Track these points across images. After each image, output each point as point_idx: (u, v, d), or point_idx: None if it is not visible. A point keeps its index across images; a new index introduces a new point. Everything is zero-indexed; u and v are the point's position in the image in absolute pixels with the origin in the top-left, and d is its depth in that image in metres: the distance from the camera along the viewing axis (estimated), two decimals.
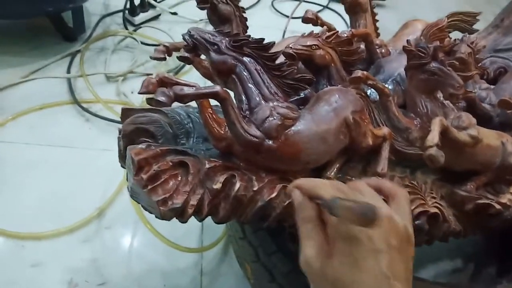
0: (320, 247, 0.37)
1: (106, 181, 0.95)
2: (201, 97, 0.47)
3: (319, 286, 0.37)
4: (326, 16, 1.63)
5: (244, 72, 0.50)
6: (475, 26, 0.87)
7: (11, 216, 0.86)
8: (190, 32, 0.51)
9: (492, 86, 0.75)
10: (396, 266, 0.36)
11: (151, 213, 0.49)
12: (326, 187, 0.39)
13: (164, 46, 0.68)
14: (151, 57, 0.69)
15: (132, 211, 0.89)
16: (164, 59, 0.68)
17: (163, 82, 0.49)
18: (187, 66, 1.29)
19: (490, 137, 0.60)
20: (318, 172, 0.55)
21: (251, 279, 0.75)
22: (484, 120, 0.69)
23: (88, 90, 1.15)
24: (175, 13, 1.48)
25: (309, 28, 0.74)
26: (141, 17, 1.43)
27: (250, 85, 0.50)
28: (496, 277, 0.75)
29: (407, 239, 0.38)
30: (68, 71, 1.21)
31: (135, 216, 0.89)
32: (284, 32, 1.52)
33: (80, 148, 1.02)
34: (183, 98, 0.44)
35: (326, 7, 1.70)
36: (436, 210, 0.57)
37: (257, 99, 0.50)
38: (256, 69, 0.50)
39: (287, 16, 1.60)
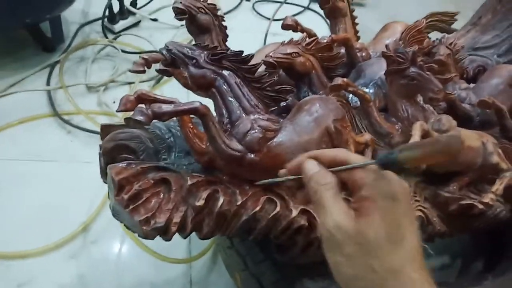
0: (349, 211, 0.37)
1: (91, 194, 0.93)
2: (180, 114, 0.46)
3: (354, 251, 0.36)
4: (307, 17, 1.63)
5: (223, 86, 0.50)
6: (454, 25, 0.88)
7: None
8: (168, 46, 0.51)
9: (471, 85, 0.76)
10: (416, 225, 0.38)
11: (134, 232, 0.49)
12: (350, 153, 0.40)
13: (143, 58, 0.67)
14: (130, 70, 0.68)
15: (117, 224, 0.87)
16: (144, 71, 0.67)
17: (141, 99, 0.48)
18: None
19: (471, 138, 0.61)
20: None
21: (240, 287, 0.75)
22: (465, 120, 0.69)
23: (69, 101, 1.13)
24: (155, 20, 1.46)
25: (289, 32, 0.74)
26: (121, 24, 1.41)
27: (230, 98, 0.49)
28: (483, 273, 0.76)
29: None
30: (48, 83, 1.19)
31: (121, 230, 0.88)
32: (266, 34, 1.51)
33: (62, 161, 1.01)
34: (161, 116, 0.44)
35: (307, 8, 1.70)
36: (420, 213, 0.58)
37: (238, 112, 0.49)
38: (235, 82, 0.50)
39: (269, 19, 1.59)
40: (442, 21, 0.86)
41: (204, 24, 0.67)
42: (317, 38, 0.66)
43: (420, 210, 0.59)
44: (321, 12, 1.65)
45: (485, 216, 0.64)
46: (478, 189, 0.66)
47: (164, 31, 1.44)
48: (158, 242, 0.84)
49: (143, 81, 1.24)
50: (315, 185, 0.38)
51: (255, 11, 1.65)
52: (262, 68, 0.59)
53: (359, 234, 0.36)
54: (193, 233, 0.87)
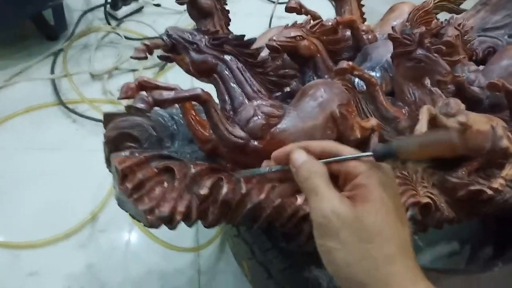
0: (341, 197, 0.37)
1: (97, 183, 0.94)
2: (182, 100, 0.46)
3: (350, 237, 0.36)
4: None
5: (225, 71, 0.49)
6: (462, 6, 0.86)
7: (4, 225, 0.85)
8: (168, 31, 0.50)
9: (480, 67, 0.74)
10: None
11: (139, 221, 0.49)
12: (342, 146, 0.40)
13: (145, 44, 0.65)
14: (131, 57, 0.67)
15: (125, 213, 0.88)
16: (145, 58, 0.65)
17: (143, 86, 0.47)
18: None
19: (479, 122, 0.59)
20: None
21: (248, 276, 0.75)
22: (474, 103, 0.68)
23: (73, 90, 1.13)
24: (158, 5, 1.44)
25: (294, 16, 0.73)
26: (123, 10, 1.40)
27: (232, 84, 0.49)
28: (493, 259, 0.76)
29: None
30: (52, 72, 1.18)
31: (129, 218, 0.87)
32: (271, 18, 1.49)
33: (68, 150, 1.01)
34: (163, 103, 0.43)
35: None
36: (428, 200, 0.57)
37: (241, 98, 0.48)
38: (238, 67, 0.49)
39: (274, 2, 1.57)
40: (450, 1, 0.84)
41: (205, 8, 0.66)
42: (322, 20, 0.64)
43: (428, 196, 0.58)
44: None
45: (494, 201, 0.62)
46: (487, 174, 0.64)
47: (167, 16, 1.43)
48: (166, 231, 0.84)
49: (147, 68, 1.23)
50: (306, 172, 0.38)
51: None
52: (265, 53, 0.58)
53: (356, 220, 0.36)
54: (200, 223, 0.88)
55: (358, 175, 0.37)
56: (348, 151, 0.38)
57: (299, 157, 0.39)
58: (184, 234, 0.87)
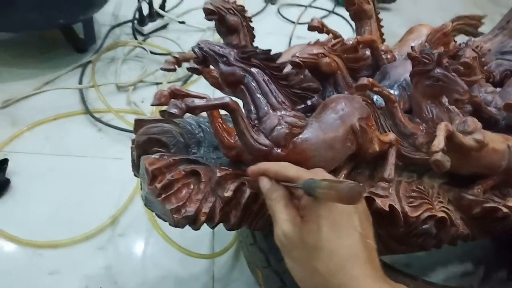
0: (295, 219, 0.41)
1: (119, 189, 0.97)
2: (211, 108, 0.48)
3: (300, 255, 0.40)
4: (331, 21, 1.64)
5: (252, 83, 0.51)
6: (480, 29, 0.88)
7: (28, 225, 0.88)
8: (199, 44, 0.53)
9: (498, 89, 0.75)
10: (364, 224, 0.41)
11: (165, 221, 0.51)
12: (290, 166, 0.45)
13: (174, 57, 0.69)
14: (161, 68, 0.70)
15: (144, 219, 0.91)
16: (174, 70, 0.69)
17: (175, 94, 0.50)
18: (195, 75, 1.32)
19: (496, 141, 0.61)
20: None
21: (262, 285, 0.76)
22: (490, 123, 0.69)
23: (100, 100, 1.18)
24: (183, 22, 1.50)
25: (315, 34, 0.76)
26: (149, 26, 1.46)
27: (258, 95, 0.51)
28: (507, 280, 0.76)
29: (361, 197, 0.41)
30: (80, 82, 1.24)
31: (148, 224, 0.91)
32: (291, 38, 1.53)
33: (93, 157, 1.05)
34: (194, 110, 0.46)
35: (332, 11, 1.71)
36: (443, 214, 0.58)
37: (265, 108, 0.51)
38: (263, 80, 0.52)
39: (293, 22, 1.61)
40: (468, 24, 0.86)
41: (232, 24, 0.69)
42: (343, 39, 0.67)
43: (444, 211, 0.59)
44: (346, 15, 1.67)
45: (509, 220, 0.63)
46: (502, 193, 0.65)
47: (191, 33, 1.48)
48: (183, 238, 0.87)
49: (171, 82, 1.28)
50: (268, 201, 0.44)
51: (280, 14, 1.67)
52: (288, 68, 0.61)
53: (301, 240, 0.40)
54: (217, 231, 0.90)
55: (303, 196, 0.42)
56: (293, 173, 0.43)
57: (263, 185, 0.45)
58: (200, 241, 0.89)
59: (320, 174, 0.44)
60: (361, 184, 0.39)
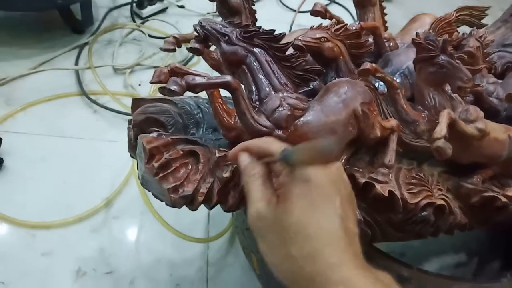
0: (271, 199, 0.37)
1: (114, 172, 0.96)
2: (213, 86, 0.48)
3: (274, 239, 0.36)
4: (332, 10, 1.61)
5: (254, 63, 0.50)
6: (483, 21, 0.87)
7: (21, 205, 0.87)
8: (201, 23, 0.52)
9: (499, 81, 0.75)
10: (346, 207, 0.37)
11: (161, 201, 0.50)
12: (273, 141, 0.42)
13: (174, 37, 0.68)
14: (161, 49, 0.69)
15: (139, 202, 0.90)
16: (174, 50, 0.68)
17: (175, 72, 0.49)
18: (194, 59, 1.30)
19: (497, 130, 0.60)
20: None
21: (256, 270, 0.76)
22: (491, 114, 0.69)
23: (96, 82, 1.16)
24: (182, 6, 1.48)
25: (316, 21, 0.75)
26: (148, 10, 1.44)
27: (260, 75, 0.50)
28: (500, 271, 0.76)
29: (336, 153, 0.39)
30: (76, 63, 1.22)
31: (142, 207, 0.90)
32: (291, 26, 1.52)
33: (88, 139, 1.03)
34: (195, 88, 0.45)
35: (333, 1, 1.70)
36: (442, 202, 0.58)
37: (267, 89, 0.50)
38: (266, 60, 0.51)
39: (294, 10, 1.60)
40: (472, 15, 0.86)
41: (235, 6, 0.68)
42: (346, 24, 0.66)
43: (443, 198, 0.59)
44: (347, 5, 1.65)
45: (508, 210, 0.63)
46: (501, 183, 0.65)
47: (190, 17, 1.46)
48: (177, 222, 0.86)
49: (169, 66, 1.25)
50: (245, 177, 0.40)
51: (281, 2, 1.65)
52: (290, 51, 0.60)
53: (276, 222, 0.36)
54: (212, 216, 0.89)
55: (281, 173, 0.38)
56: (275, 147, 0.40)
57: (242, 161, 0.41)
58: (195, 225, 0.89)
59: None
60: (333, 141, 0.37)
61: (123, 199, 0.92)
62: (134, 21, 1.40)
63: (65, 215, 0.87)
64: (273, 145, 0.41)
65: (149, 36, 1.34)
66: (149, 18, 1.43)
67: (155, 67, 1.25)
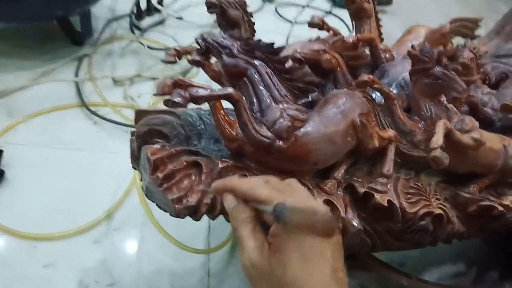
0: (264, 247, 0.38)
1: (115, 183, 0.96)
2: (215, 98, 0.49)
3: (268, 286, 0.37)
4: (328, 21, 1.63)
5: (255, 75, 0.52)
6: (477, 32, 0.89)
7: (23, 217, 0.87)
8: (203, 35, 0.53)
9: (494, 91, 0.77)
10: (336, 255, 0.38)
11: (165, 211, 0.51)
12: (261, 186, 0.40)
13: (175, 49, 0.70)
14: (162, 61, 0.71)
15: (140, 213, 0.91)
16: (175, 62, 0.69)
17: (178, 84, 0.50)
18: (193, 71, 1.31)
19: (492, 140, 0.62)
20: (325, 173, 0.56)
21: None
22: (486, 124, 0.70)
23: (96, 93, 1.17)
24: (180, 18, 1.50)
25: (313, 32, 0.76)
26: (147, 21, 1.45)
27: (261, 87, 0.51)
28: (499, 280, 0.77)
29: (336, 230, 0.39)
30: (76, 75, 1.23)
31: (143, 218, 0.90)
32: (288, 37, 1.54)
33: (88, 151, 1.04)
34: (198, 99, 0.46)
35: (329, 13, 1.72)
36: (440, 211, 0.59)
37: (268, 101, 0.51)
38: (266, 72, 0.52)
39: (291, 22, 1.62)
40: (465, 27, 0.88)
41: (234, 18, 0.70)
42: (343, 36, 0.68)
43: (441, 208, 0.60)
44: (343, 16, 1.68)
45: (504, 218, 0.64)
46: (498, 192, 0.67)
47: (188, 29, 1.48)
48: (178, 233, 0.87)
49: (171, 78, 1.26)
50: (233, 222, 0.40)
51: (278, 14, 1.67)
52: (290, 63, 0.61)
53: (270, 273, 0.37)
54: (213, 227, 0.90)
55: (273, 224, 0.39)
56: (264, 196, 0.39)
57: (227, 203, 0.41)
58: (196, 236, 0.89)
59: (294, 187, 0.42)
60: (336, 214, 0.37)
61: (124, 211, 0.93)
62: (133, 33, 1.41)
63: (66, 226, 0.87)
64: (262, 193, 0.39)
65: (148, 47, 1.35)
66: (147, 30, 1.45)
67: (154, 78, 1.26)
